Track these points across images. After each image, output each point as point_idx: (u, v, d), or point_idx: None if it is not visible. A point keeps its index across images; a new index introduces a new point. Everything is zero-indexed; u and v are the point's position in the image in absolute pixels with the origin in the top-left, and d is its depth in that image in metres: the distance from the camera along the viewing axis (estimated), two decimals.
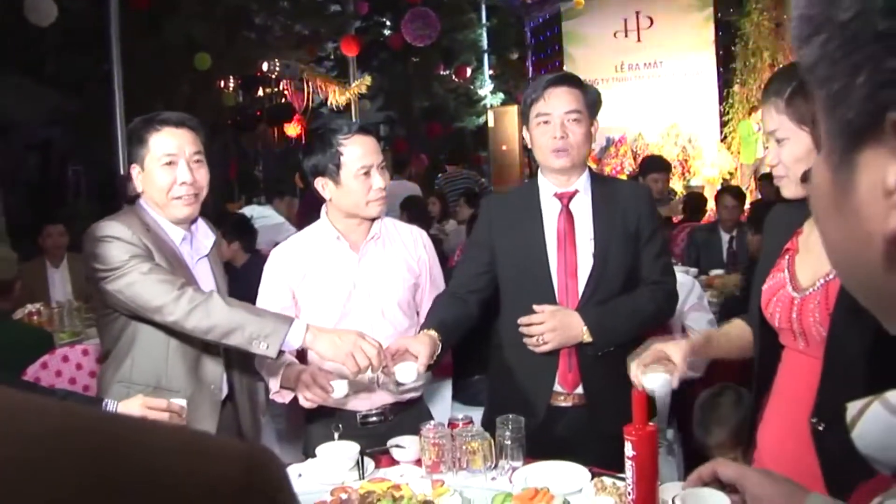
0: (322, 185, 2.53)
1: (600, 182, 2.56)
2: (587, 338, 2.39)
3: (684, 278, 3.86)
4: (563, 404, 2.47)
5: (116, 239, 2.23)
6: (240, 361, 2.51)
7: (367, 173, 2.48)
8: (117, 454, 0.44)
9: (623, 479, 1.82)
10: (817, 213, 0.56)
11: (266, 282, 2.59)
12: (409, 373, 2.24)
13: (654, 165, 6.71)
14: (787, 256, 1.88)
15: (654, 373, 1.96)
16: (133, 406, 2.02)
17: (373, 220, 2.58)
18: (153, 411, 2.01)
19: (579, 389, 2.46)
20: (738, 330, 2.13)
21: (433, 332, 2.33)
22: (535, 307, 2.41)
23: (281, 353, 2.19)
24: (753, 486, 1.29)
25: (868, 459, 0.54)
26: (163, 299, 2.17)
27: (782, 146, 1.79)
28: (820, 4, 0.48)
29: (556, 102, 2.45)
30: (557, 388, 2.47)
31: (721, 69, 11.70)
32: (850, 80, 0.47)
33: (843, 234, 0.53)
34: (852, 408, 0.52)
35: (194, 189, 2.38)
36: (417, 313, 2.65)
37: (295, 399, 2.46)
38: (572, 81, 2.52)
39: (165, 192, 2.35)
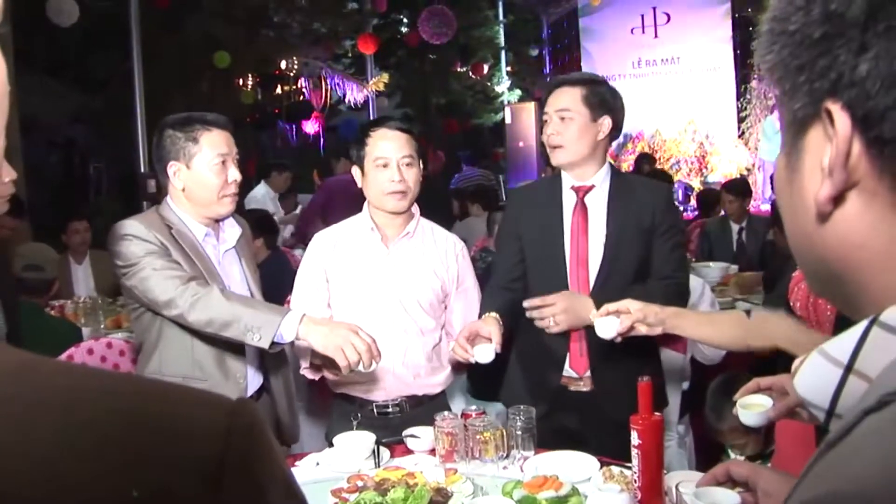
0: (356, 173, 2.63)
1: (619, 178, 2.64)
2: None
3: (695, 282, 3.77)
4: (575, 388, 2.56)
5: (134, 237, 2.32)
6: (273, 353, 2.54)
7: (385, 165, 2.54)
8: (128, 402, 0.57)
9: (630, 469, 1.88)
10: (778, 194, 0.66)
11: (304, 263, 2.69)
12: (488, 353, 2.31)
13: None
14: None
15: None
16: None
17: (405, 217, 2.63)
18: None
19: (589, 373, 2.55)
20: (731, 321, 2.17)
21: (495, 314, 2.42)
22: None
23: (275, 344, 2.21)
24: (765, 484, 1.34)
25: (805, 404, 0.61)
26: (171, 293, 2.23)
27: None
28: (777, 20, 0.58)
29: (552, 100, 2.58)
30: (569, 371, 2.56)
31: (738, 65, 11.67)
32: (796, 79, 0.57)
33: (792, 209, 0.62)
34: (798, 360, 0.59)
35: (237, 188, 2.46)
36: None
37: (319, 383, 2.51)
38: (577, 81, 2.60)
39: (217, 191, 2.41)
